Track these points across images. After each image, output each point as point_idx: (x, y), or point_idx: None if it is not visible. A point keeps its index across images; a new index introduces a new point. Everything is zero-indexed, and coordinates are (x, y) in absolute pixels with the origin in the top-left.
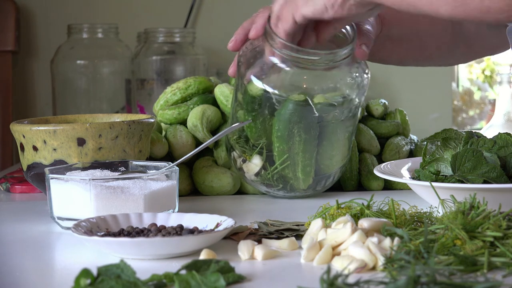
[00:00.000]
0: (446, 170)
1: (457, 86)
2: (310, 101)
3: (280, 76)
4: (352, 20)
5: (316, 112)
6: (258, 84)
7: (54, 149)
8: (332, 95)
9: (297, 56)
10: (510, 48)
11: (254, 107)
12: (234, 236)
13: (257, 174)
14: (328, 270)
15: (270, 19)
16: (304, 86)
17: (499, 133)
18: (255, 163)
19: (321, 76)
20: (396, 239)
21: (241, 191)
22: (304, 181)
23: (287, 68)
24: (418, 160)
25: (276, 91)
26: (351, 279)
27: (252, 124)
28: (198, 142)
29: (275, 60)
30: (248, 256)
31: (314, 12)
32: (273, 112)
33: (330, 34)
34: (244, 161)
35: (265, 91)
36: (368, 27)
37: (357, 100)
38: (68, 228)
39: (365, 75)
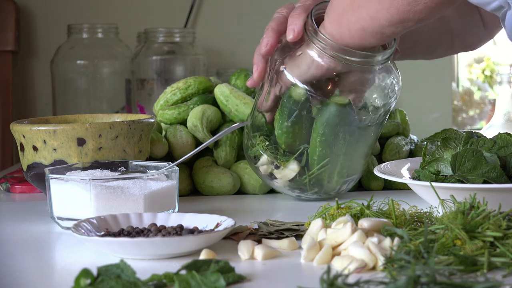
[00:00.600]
0: (446, 170)
1: (457, 86)
2: (352, 104)
3: (328, 79)
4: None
5: (358, 115)
6: (303, 89)
7: (54, 149)
8: (372, 98)
9: (344, 57)
10: (507, 36)
11: (297, 113)
12: (234, 236)
13: (292, 180)
14: (328, 270)
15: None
16: (351, 89)
17: (499, 133)
18: (292, 169)
19: (364, 79)
20: (396, 239)
21: (241, 191)
22: (337, 183)
23: (337, 70)
24: (418, 160)
25: (320, 96)
26: (351, 279)
27: (290, 130)
28: (198, 142)
29: (320, 60)
30: (248, 256)
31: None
32: (310, 116)
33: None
34: (277, 167)
35: (309, 95)
36: None
37: (391, 103)
38: (68, 228)
39: (399, 77)
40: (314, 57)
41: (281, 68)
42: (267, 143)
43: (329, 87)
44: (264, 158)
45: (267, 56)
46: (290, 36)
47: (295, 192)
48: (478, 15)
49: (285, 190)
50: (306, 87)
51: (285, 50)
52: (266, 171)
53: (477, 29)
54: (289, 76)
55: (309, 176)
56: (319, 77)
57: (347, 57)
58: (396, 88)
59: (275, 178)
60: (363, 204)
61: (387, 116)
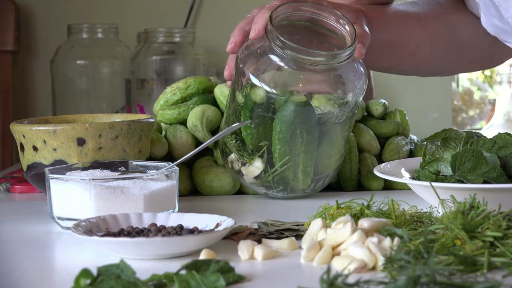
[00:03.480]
0: (446, 170)
1: (457, 86)
2: (310, 102)
3: (283, 77)
4: None
5: (317, 113)
6: (263, 88)
7: (54, 149)
8: (333, 96)
9: (300, 56)
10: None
11: (258, 113)
12: (234, 236)
13: (257, 177)
14: (328, 270)
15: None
16: (305, 86)
17: (499, 133)
18: (256, 166)
19: (322, 77)
20: (396, 239)
21: (241, 191)
22: (304, 182)
23: (290, 69)
24: (418, 160)
25: (279, 93)
26: (351, 279)
27: (254, 131)
28: (198, 142)
29: (278, 60)
30: (248, 256)
31: None
32: (273, 115)
33: None
34: (243, 164)
35: (269, 95)
36: (366, 27)
37: (356, 100)
38: (68, 228)
39: (363, 75)
40: (271, 56)
41: (241, 65)
42: (234, 141)
43: (285, 85)
44: (233, 155)
45: (233, 54)
46: (251, 34)
47: (261, 189)
48: None
49: (253, 187)
50: (264, 85)
51: (248, 48)
52: (235, 168)
53: (491, 42)
54: (250, 75)
55: (272, 173)
56: (276, 76)
57: (303, 57)
58: (360, 87)
59: (243, 174)
60: (363, 204)
61: (352, 116)
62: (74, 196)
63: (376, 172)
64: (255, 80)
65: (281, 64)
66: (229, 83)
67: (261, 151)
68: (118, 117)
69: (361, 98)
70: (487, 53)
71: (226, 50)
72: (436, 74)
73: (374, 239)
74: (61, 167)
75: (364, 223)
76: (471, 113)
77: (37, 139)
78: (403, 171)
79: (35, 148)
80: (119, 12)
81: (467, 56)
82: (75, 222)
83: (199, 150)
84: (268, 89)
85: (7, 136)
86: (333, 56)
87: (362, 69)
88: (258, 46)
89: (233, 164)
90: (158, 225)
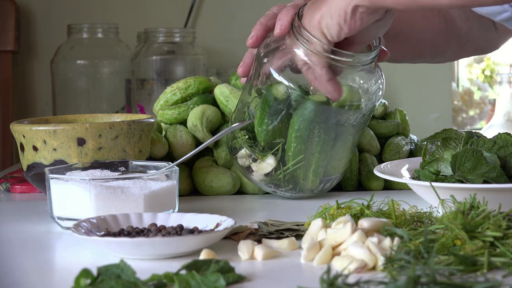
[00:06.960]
0: (446, 170)
1: (457, 86)
2: (331, 102)
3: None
4: (370, 37)
5: (336, 114)
6: (284, 84)
7: (54, 149)
8: (354, 99)
9: (327, 55)
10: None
11: (277, 109)
12: (234, 236)
13: (267, 174)
14: (328, 270)
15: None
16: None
17: (499, 133)
18: (269, 163)
19: (345, 79)
20: (396, 239)
21: (241, 191)
22: (313, 182)
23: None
24: (418, 160)
25: (300, 90)
26: (351, 279)
27: (270, 128)
28: (198, 142)
29: (304, 57)
30: (248, 256)
31: (331, 35)
32: (292, 112)
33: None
34: (255, 160)
35: (290, 91)
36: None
37: (374, 103)
38: (68, 228)
39: (382, 80)
40: (299, 54)
41: (264, 60)
42: (247, 137)
43: (310, 84)
44: (243, 151)
45: (253, 48)
46: (277, 30)
47: (270, 187)
48: (486, 17)
49: (261, 184)
50: (286, 82)
51: (271, 45)
52: (244, 164)
53: (487, 31)
54: (272, 71)
55: (284, 171)
56: (300, 74)
57: (330, 56)
58: (378, 92)
59: (252, 171)
60: (363, 204)
61: (367, 120)
62: (74, 196)
63: (376, 172)
64: (277, 76)
65: (307, 61)
66: (243, 79)
67: (276, 148)
68: (118, 117)
69: (378, 102)
70: (482, 44)
71: (247, 44)
72: (437, 62)
73: (374, 239)
74: (61, 167)
75: (364, 223)
76: (471, 113)
77: (37, 139)
78: (403, 171)
79: (35, 148)
80: (119, 12)
81: (465, 48)
82: (75, 222)
83: (199, 150)
84: (290, 85)
85: (7, 136)
86: (359, 57)
87: (380, 74)
88: (281, 42)
89: (242, 160)
90: (158, 225)
